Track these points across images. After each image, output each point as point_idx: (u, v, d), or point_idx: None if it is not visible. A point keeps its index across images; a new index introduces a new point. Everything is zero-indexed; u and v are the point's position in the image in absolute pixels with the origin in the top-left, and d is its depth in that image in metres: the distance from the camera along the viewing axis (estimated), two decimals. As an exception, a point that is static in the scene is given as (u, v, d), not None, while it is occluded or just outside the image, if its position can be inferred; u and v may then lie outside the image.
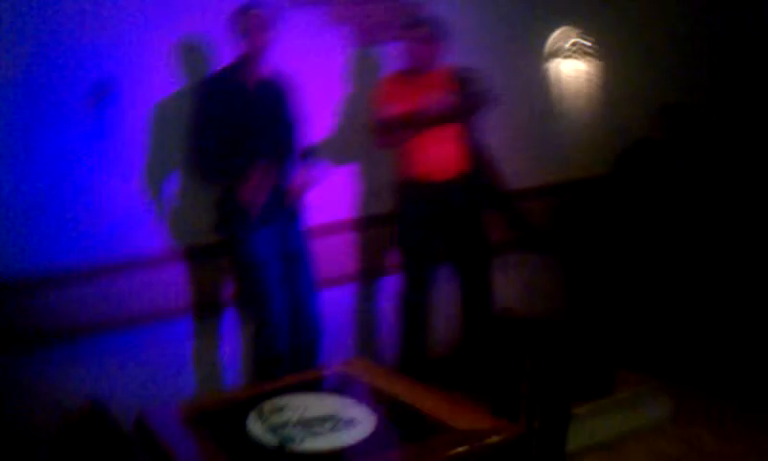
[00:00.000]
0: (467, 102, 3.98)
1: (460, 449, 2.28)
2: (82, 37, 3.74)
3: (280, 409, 2.58)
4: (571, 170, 5.13)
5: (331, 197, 4.32)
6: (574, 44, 5.07)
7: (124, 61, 3.83)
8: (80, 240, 3.78)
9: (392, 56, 4.35)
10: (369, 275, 4.54)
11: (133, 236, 3.90)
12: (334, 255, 4.29)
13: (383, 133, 4.04)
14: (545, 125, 5.08)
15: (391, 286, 4.42)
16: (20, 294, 3.62)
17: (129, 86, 3.84)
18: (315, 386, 2.93)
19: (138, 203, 3.91)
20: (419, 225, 4.12)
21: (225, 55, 3.80)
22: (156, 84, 3.91)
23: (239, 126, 3.57)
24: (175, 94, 3.92)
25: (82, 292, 3.75)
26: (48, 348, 3.69)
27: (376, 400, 2.71)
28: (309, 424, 2.44)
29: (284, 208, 3.73)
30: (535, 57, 5.04)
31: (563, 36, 5.06)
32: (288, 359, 3.65)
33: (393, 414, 2.60)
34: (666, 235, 4.60)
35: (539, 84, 5.06)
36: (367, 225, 4.50)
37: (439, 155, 4.05)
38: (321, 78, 4.25)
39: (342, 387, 2.87)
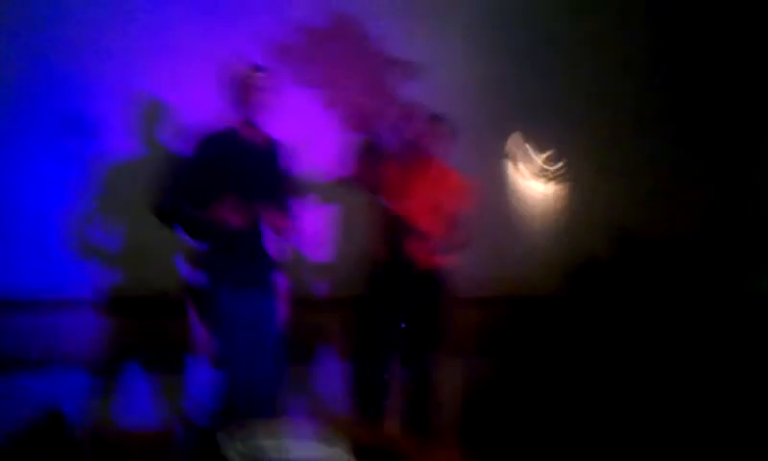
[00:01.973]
0: None
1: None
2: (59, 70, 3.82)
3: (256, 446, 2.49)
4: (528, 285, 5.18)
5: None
6: (539, 164, 5.28)
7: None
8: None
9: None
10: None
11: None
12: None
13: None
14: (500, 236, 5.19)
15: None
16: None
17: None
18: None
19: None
20: (385, 311, 4.08)
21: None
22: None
23: (237, 181, 3.52)
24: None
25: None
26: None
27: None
28: None
29: (261, 276, 3.66)
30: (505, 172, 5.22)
31: (521, 147, 5.28)
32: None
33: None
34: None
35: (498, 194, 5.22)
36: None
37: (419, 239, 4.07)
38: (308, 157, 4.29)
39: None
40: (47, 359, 3.75)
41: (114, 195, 3.97)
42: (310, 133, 4.41)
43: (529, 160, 5.29)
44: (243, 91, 3.58)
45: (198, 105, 3.80)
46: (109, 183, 3.95)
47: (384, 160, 4.22)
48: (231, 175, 3.51)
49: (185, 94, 4.02)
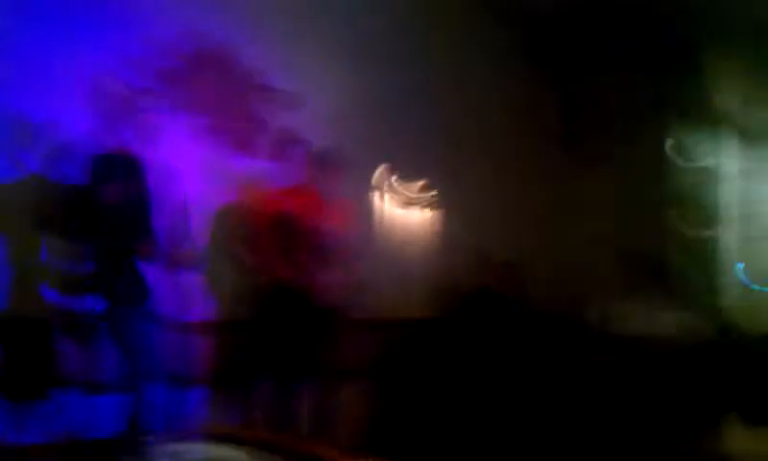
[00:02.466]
0: None
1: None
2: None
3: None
4: (405, 309, 5.42)
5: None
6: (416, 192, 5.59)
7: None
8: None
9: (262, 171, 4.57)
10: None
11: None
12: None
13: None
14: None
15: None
16: None
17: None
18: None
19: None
20: (284, 334, 4.16)
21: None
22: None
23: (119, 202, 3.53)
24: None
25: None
26: None
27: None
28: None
29: (135, 290, 3.66)
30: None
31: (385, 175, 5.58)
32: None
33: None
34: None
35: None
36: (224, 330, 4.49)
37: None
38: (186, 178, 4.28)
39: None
40: None
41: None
42: (189, 158, 4.49)
43: (407, 189, 5.56)
44: (122, 112, 3.60)
45: (71, 125, 3.76)
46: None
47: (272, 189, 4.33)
48: (114, 196, 3.52)
49: (58, 114, 3.96)
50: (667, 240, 6.20)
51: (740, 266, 6.11)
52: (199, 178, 4.52)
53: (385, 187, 5.60)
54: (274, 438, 3.02)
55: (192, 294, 4.15)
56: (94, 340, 3.54)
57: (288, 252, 4.16)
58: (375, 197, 5.56)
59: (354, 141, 5.15)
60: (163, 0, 4.58)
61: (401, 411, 5.00)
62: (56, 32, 4.21)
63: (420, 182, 5.71)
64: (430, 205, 5.76)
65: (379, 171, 5.57)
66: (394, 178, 5.61)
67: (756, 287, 6.00)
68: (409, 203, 5.68)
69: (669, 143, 6.30)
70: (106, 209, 3.51)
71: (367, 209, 5.50)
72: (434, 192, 5.74)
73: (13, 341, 3.74)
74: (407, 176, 5.66)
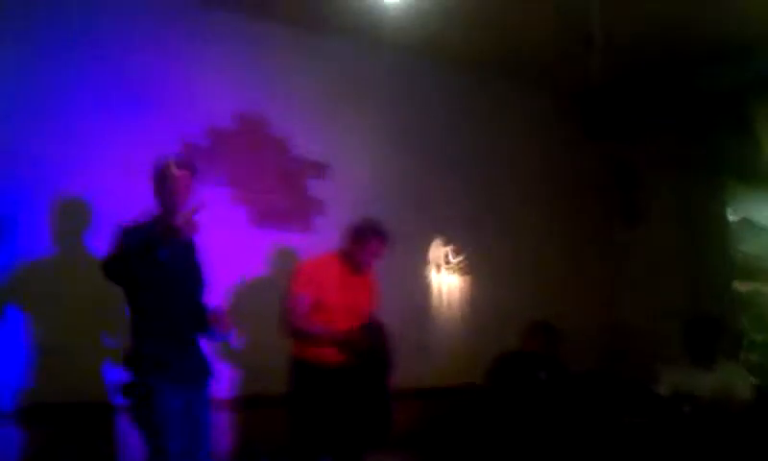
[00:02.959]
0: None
1: None
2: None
3: None
4: (443, 377, 5.31)
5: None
6: (453, 260, 5.51)
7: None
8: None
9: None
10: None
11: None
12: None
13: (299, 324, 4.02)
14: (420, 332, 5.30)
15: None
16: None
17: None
18: None
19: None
20: (315, 411, 4.00)
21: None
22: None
23: (161, 278, 3.45)
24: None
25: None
26: None
27: None
28: None
29: (196, 369, 3.60)
30: (413, 266, 5.38)
31: (441, 250, 5.50)
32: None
33: None
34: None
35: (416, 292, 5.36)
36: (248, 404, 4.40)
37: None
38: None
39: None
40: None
41: (35, 297, 3.86)
42: (229, 234, 4.48)
43: (440, 256, 5.50)
44: (162, 187, 3.54)
45: (123, 203, 3.78)
46: (29, 286, 3.83)
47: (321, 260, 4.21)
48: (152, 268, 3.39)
49: (109, 193, 4.01)
50: (729, 301, 6.00)
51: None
52: (243, 253, 4.52)
53: (438, 259, 5.53)
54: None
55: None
56: (154, 422, 3.40)
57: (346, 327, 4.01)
58: (429, 268, 5.49)
59: (405, 214, 5.18)
60: (215, 85, 4.67)
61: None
62: (113, 115, 4.28)
63: (471, 253, 5.62)
64: (480, 275, 5.67)
65: (434, 243, 5.53)
66: (448, 249, 5.55)
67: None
68: (460, 273, 5.61)
69: (729, 203, 6.13)
70: (165, 287, 3.47)
71: (421, 281, 5.43)
72: (484, 262, 5.67)
73: (76, 426, 3.72)
74: (459, 247, 5.58)
